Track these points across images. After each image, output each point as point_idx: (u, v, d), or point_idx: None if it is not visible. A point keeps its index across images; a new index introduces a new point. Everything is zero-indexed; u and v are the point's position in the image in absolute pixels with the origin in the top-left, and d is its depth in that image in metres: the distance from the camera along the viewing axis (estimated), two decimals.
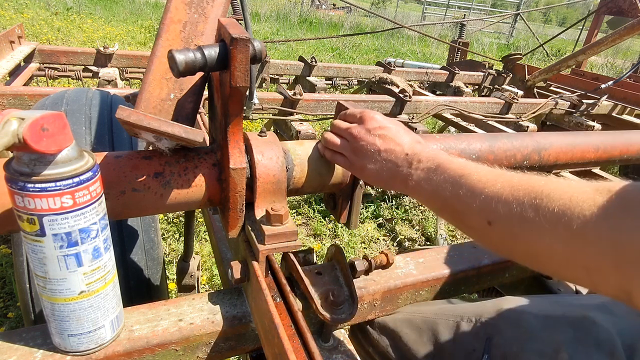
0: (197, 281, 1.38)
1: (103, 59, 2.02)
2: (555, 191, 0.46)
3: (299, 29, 9.63)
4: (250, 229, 0.69)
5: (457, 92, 2.44)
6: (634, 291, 0.39)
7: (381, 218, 2.57)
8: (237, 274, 0.69)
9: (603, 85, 2.31)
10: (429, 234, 2.51)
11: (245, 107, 0.70)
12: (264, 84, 2.22)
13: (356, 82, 2.49)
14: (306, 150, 0.77)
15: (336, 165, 0.78)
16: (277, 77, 2.34)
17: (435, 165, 0.62)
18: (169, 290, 1.54)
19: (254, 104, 1.26)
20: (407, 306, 0.82)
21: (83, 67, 2.02)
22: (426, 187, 0.62)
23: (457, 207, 0.57)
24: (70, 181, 0.48)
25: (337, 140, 0.73)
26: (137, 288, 0.94)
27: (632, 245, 0.39)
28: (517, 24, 13.81)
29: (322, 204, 2.27)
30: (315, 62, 2.34)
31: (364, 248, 2.32)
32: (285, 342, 0.52)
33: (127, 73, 2.06)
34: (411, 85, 2.08)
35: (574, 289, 0.94)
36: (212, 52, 0.55)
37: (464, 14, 11.25)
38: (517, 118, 1.90)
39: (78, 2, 8.26)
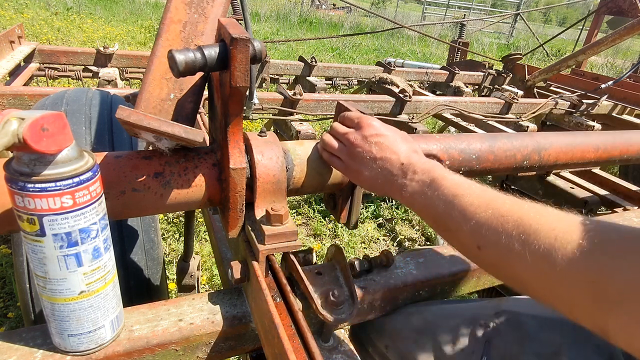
0: (197, 281, 1.38)
1: (103, 59, 2.02)
2: (542, 227, 0.48)
3: (299, 29, 9.63)
4: (250, 229, 0.69)
5: (457, 92, 2.43)
6: (607, 327, 0.41)
7: (381, 218, 2.57)
8: (237, 274, 0.69)
9: (603, 85, 2.30)
10: (429, 234, 2.51)
11: (245, 107, 0.70)
12: (264, 84, 2.22)
13: (356, 82, 2.49)
14: (306, 151, 0.78)
15: None
16: (277, 77, 2.34)
17: (430, 179, 0.62)
18: (169, 290, 1.54)
19: (254, 104, 1.26)
20: (407, 306, 0.82)
21: (83, 67, 2.02)
22: (419, 201, 0.63)
23: (449, 226, 0.59)
24: (70, 181, 0.48)
25: (334, 143, 0.73)
26: (137, 288, 0.94)
27: (608, 286, 0.41)
28: (517, 24, 13.81)
29: (322, 204, 2.27)
30: (315, 62, 2.34)
31: (364, 248, 2.32)
32: (285, 342, 0.52)
33: (127, 73, 2.06)
34: (411, 85, 2.08)
35: None
36: (212, 52, 0.55)
37: (464, 14, 11.25)
38: (517, 118, 1.90)
39: (78, 2, 8.26)
